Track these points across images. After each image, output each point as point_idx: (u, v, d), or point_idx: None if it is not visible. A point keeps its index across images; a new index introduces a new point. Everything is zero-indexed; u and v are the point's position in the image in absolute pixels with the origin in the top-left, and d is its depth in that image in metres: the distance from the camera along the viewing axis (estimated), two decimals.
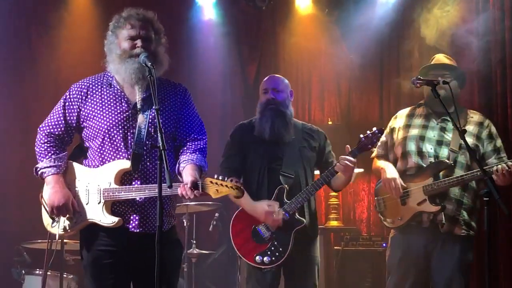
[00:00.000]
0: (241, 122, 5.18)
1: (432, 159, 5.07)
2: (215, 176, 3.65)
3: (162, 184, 3.36)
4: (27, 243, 6.13)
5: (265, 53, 7.57)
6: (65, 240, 5.57)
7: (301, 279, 4.96)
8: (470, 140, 4.97)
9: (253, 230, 4.89)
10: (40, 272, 5.89)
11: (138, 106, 3.85)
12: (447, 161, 5.01)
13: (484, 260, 4.62)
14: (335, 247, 6.49)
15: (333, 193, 6.85)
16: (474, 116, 5.17)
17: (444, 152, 5.08)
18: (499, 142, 5.08)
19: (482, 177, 4.74)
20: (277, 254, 4.83)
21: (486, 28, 5.81)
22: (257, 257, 4.84)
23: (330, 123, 7.26)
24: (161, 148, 3.40)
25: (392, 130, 5.36)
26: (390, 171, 5.19)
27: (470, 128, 5.02)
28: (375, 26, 6.97)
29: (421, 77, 4.69)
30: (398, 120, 5.37)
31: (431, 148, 5.11)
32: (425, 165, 5.08)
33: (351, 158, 4.76)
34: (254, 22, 7.52)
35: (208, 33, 7.40)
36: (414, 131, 5.21)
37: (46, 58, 7.06)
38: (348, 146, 4.79)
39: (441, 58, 5.31)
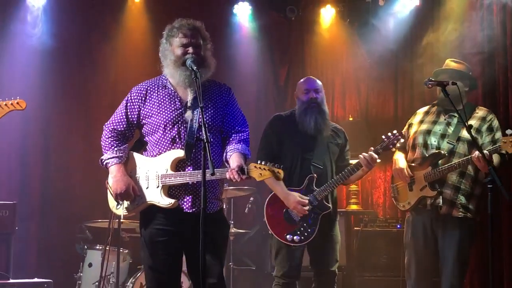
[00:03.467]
0: (278, 113, 5.20)
1: (434, 150, 5.03)
2: (258, 162, 3.67)
3: (206, 171, 3.39)
4: (88, 222, 6.13)
5: (294, 58, 7.56)
6: (121, 220, 5.58)
7: (325, 255, 4.95)
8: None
9: (284, 212, 4.88)
10: (100, 247, 5.93)
11: (189, 104, 3.86)
12: (442, 152, 4.96)
13: (488, 240, 4.47)
14: (355, 228, 6.45)
15: None
16: (479, 112, 5.08)
17: (444, 144, 5.04)
18: (498, 135, 4.96)
19: (468, 162, 4.79)
20: (305, 234, 4.83)
21: (490, 38, 5.76)
22: (288, 236, 4.84)
23: (351, 119, 7.28)
24: (205, 141, 3.42)
25: (410, 125, 5.34)
26: (400, 162, 5.18)
27: (473, 122, 4.95)
28: (391, 35, 6.95)
29: (433, 79, 4.69)
30: (416, 116, 5.34)
31: (434, 141, 5.07)
32: (427, 156, 5.06)
33: (375, 155, 4.77)
34: (284, 30, 7.52)
35: (244, 40, 7.39)
36: (424, 126, 5.18)
37: (105, 61, 7.08)
38: (372, 147, 4.80)
39: (449, 63, 5.27)
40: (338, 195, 6.80)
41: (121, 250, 5.74)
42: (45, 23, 6.67)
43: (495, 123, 5.02)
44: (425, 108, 5.38)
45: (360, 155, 4.87)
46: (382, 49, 7.02)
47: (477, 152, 4.60)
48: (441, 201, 4.98)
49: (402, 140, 4.95)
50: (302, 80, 5.16)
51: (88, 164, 6.77)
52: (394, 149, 5.00)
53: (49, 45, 6.61)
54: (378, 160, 5.03)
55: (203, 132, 3.46)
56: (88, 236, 6.15)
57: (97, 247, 5.98)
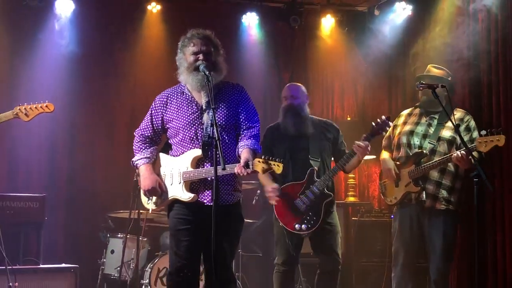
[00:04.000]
0: (269, 125, 5.21)
1: (417, 150, 5.10)
2: (262, 157, 3.70)
3: (218, 167, 3.48)
4: (111, 212, 6.18)
5: (297, 62, 7.52)
6: (140, 211, 5.65)
7: (325, 240, 4.99)
8: (449, 133, 5.01)
9: (291, 204, 4.92)
10: (121, 236, 5.97)
11: (204, 107, 3.91)
12: (424, 152, 5.03)
13: (473, 229, 4.66)
14: (353, 218, 6.50)
15: (351, 175, 6.85)
16: (457, 114, 5.09)
17: (425, 143, 5.09)
18: (475, 134, 4.99)
19: (448, 161, 4.86)
20: (312, 222, 4.88)
21: (475, 44, 5.75)
22: (296, 226, 4.87)
23: (349, 118, 7.29)
24: (216, 139, 3.49)
25: (395, 126, 5.36)
26: (388, 162, 5.26)
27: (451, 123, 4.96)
28: (385, 41, 6.96)
29: (424, 82, 4.68)
30: (400, 118, 5.39)
31: (417, 141, 5.11)
32: (410, 155, 5.13)
33: (366, 142, 4.81)
34: (288, 38, 7.46)
35: (252, 47, 7.34)
36: (407, 127, 5.22)
37: (125, 67, 7.08)
38: (364, 135, 4.85)
39: (431, 68, 5.31)
40: (337, 188, 6.84)
41: (140, 238, 5.80)
42: (71, 32, 6.66)
43: (472, 123, 5.07)
44: (408, 110, 5.39)
45: (346, 149, 4.97)
46: (377, 54, 7.04)
47: (457, 152, 4.66)
48: (424, 195, 5.01)
49: (391, 124, 4.95)
50: (285, 86, 5.23)
51: (110, 160, 6.87)
52: (384, 134, 5.02)
53: (75, 52, 6.66)
54: (369, 157, 5.09)
55: (215, 131, 3.51)
56: (111, 225, 6.18)
57: (119, 235, 6.01)
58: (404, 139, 5.19)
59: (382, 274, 5.96)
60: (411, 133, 5.18)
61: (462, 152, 4.69)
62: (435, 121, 5.13)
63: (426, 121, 5.18)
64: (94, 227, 6.43)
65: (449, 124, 4.96)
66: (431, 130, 5.12)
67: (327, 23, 7.19)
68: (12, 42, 6.64)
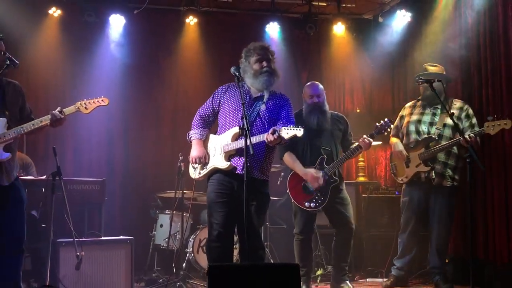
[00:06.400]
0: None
1: (425, 136, 5.09)
2: (287, 125, 3.80)
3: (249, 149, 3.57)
4: (159, 193, 6.23)
5: (313, 64, 7.48)
6: (184, 191, 5.65)
7: (340, 214, 4.99)
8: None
9: (303, 185, 4.94)
10: (168, 212, 6.01)
11: (253, 100, 4.01)
12: (433, 136, 5.02)
13: (467, 202, 4.58)
14: (363, 195, 6.47)
15: (361, 158, 6.81)
16: (457, 103, 5.12)
17: (433, 130, 5.09)
18: (474, 120, 5.04)
19: (456, 144, 4.87)
20: (319, 201, 4.89)
21: (466, 44, 5.67)
22: (306, 203, 4.89)
23: (358, 111, 7.23)
24: (246, 128, 3.60)
25: (401, 117, 5.39)
26: (398, 145, 5.25)
27: (454, 111, 4.94)
28: (388, 45, 6.91)
29: (422, 77, 4.72)
30: (405, 110, 5.39)
31: (425, 128, 5.12)
32: (420, 140, 5.11)
33: (371, 139, 4.84)
34: (305, 43, 7.43)
35: (275, 51, 7.32)
36: (414, 117, 5.23)
37: (168, 72, 7.07)
38: (369, 133, 4.87)
39: (427, 67, 5.29)
40: (349, 169, 6.95)
41: (184, 214, 5.81)
42: (122, 42, 6.71)
43: (470, 111, 5.08)
44: (411, 103, 5.40)
45: (352, 139, 4.98)
46: (381, 56, 7.02)
47: (466, 135, 4.62)
48: (433, 174, 5.09)
49: (391, 126, 4.95)
50: (307, 84, 5.15)
51: (157, 149, 6.93)
52: (385, 133, 5.00)
53: (127, 59, 6.73)
54: (375, 143, 5.10)
55: (245, 122, 3.60)
56: (159, 203, 6.23)
57: (166, 212, 6.06)
58: (412, 127, 5.19)
59: (388, 242, 5.94)
60: (419, 121, 5.18)
61: (471, 135, 4.66)
62: (439, 111, 5.13)
63: (430, 111, 5.18)
64: (145, 205, 6.50)
65: (453, 111, 4.90)
66: (436, 119, 5.11)
67: (338, 30, 7.16)
68: (73, 51, 6.70)
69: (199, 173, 4.08)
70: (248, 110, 3.96)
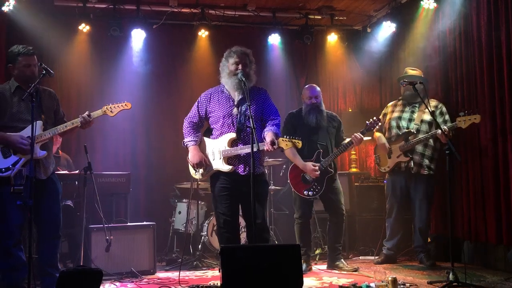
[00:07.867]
0: (290, 111, 5.19)
1: (405, 130, 5.09)
2: (285, 136, 3.82)
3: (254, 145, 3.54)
4: (177, 184, 6.18)
5: (310, 70, 7.44)
6: (199, 182, 5.58)
7: (333, 202, 5.02)
8: (428, 117, 4.98)
9: (302, 176, 4.96)
10: (185, 201, 5.97)
11: (236, 103, 3.95)
12: (412, 131, 5.02)
13: (447, 190, 4.59)
14: (355, 184, 6.46)
15: (353, 152, 6.82)
16: (433, 102, 5.11)
17: (412, 125, 5.09)
18: (447, 117, 5.04)
19: (432, 136, 4.86)
20: (316, 190, 4.92)
21: (444, 49, 5.65)
22: (305, 192, 4.92)
23: (350, 110, 7.23)
24: (252, 127, 3.56)
25: (384, 114, 5.39)
26: (382, 139, 5.26)
27: (432, 109, 4.94)
28: (376, 52, 6.88)
29: (405, 80, 4.71)
30: (388, 108, 5.40)
31: (405, 124, 5.12)
32: (400, 134, 5.12)
33: (361, 135, 4.86)
34: (303, 51, 7.38)
35: (276, 59, 7.24)
36: (395, 114, 5.24)
37: (184, 79, 7.03)
38: (360, 131, 4.88)
39: (408, 70, 5.28)
40: (343, 161, 6.90)
41: (199, 202, 5.84)
42: (144, 53, 6.68)
43: (444, 109, 5.09)
44: (393, 102, 5.41)
45: (352, 136, 4.95)
46: (370, 61, 7.01)
47: (442, 128, 4.61)
48: (412, 164, 5.09)
49: (380, 123, 4.98)
50: (306, 87, 5.14)
51: (175, 146, 6.68)
52: (374, 130, 5.07)
53: (146, 68, 6.70)
54: (366, 138, 5.11)
55: (250, 121, 3.57)
56: (178, 193, 6.23)
57: (184, 200, 6.03)
58: (394, 123, 5.19)
59: (378, 225, 5.94)
60: (399, 118, 5.19)
61: (445, 128, 4.65)
62: (417, 109, 5.14)
63: (409, 109, 5.17)
64: (165, 195, 6.48)
65: (427, 110, 4.90)
66: (415, 116, 5.12)
67: (332, 39, 7.13)
68: (100, 61, 6.72)
69: (201, 174, 4.00)
70: (232, 111, 3.91)
